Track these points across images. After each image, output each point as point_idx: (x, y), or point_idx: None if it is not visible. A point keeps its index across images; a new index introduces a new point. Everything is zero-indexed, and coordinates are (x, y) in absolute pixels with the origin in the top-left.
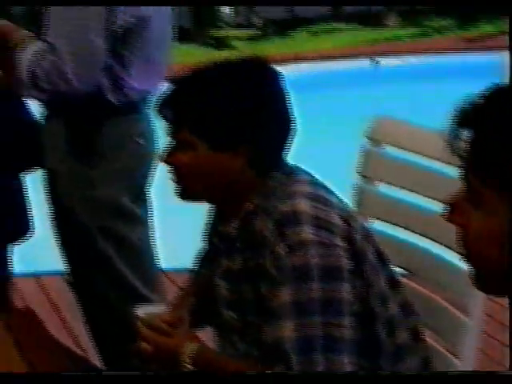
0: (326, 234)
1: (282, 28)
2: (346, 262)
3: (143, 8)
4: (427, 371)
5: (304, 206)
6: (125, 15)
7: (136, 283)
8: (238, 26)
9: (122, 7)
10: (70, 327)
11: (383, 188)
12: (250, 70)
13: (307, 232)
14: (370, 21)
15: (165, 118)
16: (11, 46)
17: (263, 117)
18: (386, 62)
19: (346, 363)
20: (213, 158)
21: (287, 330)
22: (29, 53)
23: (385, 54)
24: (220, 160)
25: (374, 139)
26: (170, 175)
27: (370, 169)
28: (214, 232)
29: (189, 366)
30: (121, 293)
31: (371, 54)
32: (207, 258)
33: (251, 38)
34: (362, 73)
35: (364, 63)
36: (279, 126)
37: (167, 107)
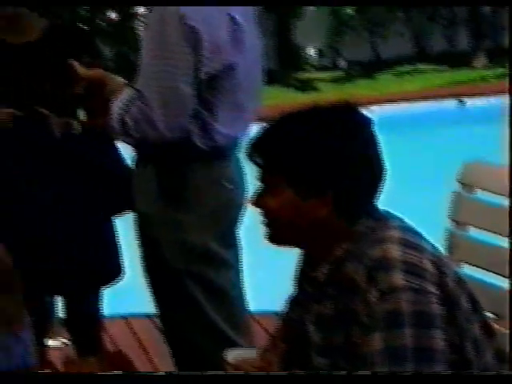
0: (417, 280)
1: (367, 69)
2: (438, 308)
3: (230, 55)
4: None
5: (394, 251)
6: (212, 62)
7: (224, 327)
8: (323, 68)
9: (209, 54)
10: (158, 369)
11: (474, 233)
12: (340, 115)
13: (398, 278)
14: (456, 62)
15: (254, 162)
16: (106, 93)
17: (353, 163)
18: (472, 102)
19: None
20: (300, 204)
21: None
22: (120, 100)
23: (471, 94)
24: (307, 206)
25: (466, 184)
26: (260, 219)
27: (462, 213)
28: (304, 277)
29: None
30: (209, 337)
31: (457, 95)
32: (297, 303)
33: (336, 80)
34: (447, 114)
35: (450, 104)
36: (369, 172)
37: (257, 152)
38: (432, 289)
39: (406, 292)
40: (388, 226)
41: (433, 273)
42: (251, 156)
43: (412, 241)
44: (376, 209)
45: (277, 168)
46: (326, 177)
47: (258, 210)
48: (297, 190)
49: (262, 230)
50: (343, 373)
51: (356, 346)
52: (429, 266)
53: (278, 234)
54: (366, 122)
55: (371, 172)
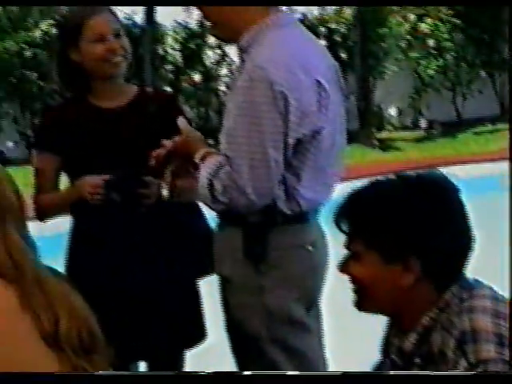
0: (508, 352)
1: (448, 129)
2: None
3: (317, 119)
4: None
5: (484, 322)
6: (299, 127)
7: None
8: (404, 127)
9: (297, 119)
10: None
11: None
12: (427, 184)
13: (488, 350)
14: None
15: (340, 228)
16: (195, 158)
17: (441, 229)
18: None
19: None
20: (387, 270)
21: None
22: (208, 164)
23: None
24: (394, 272)
25: None
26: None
27: None
28: (391, 345)
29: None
30: None
31: None
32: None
33: (417, 140)
34: None
35: None
36: (458, 239)
37: (342, 218)
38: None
39: (496, 364)
40: (477, 296)
41: (506, 340)
42: (337, 222)
43: (502, 311)
44: (464, 277)
45: (363, 234)
46: (412, 242)
47: (345, 276)
48: (384, 255)
49: (349, 295)
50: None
51: None
52: (506, 333)
53: (366, 301)
54: (454, 190)
55: (459, 239)
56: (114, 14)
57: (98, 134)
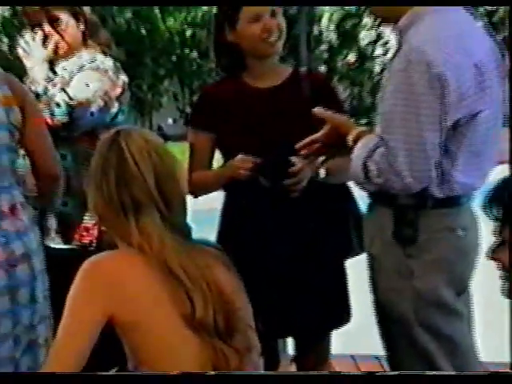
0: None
1: None
2: None
3: (475, 103)
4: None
5: None
6: (457, 110)
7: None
8: None
9: (455, 102)
10: None
11: None
12: None
13: None
14: None
15: (490, 213)
16: (348, 141)
17: None
18: None
19: None
20: None
21: None
22: (362, 145)
23: None
24: None
25: None
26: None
27: None
28: None
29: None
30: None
31: None
32: None
33: None
34: None
35: None
36: None
37: (494, 203)
38: None
39: None
40: None
41: None
42: (489, 207)
43: None
44: None
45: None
46: None
47: (495, 263)
48: None
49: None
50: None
51: None
52: None
53: None
54: None
55: None
56: None
57: (252, 113)
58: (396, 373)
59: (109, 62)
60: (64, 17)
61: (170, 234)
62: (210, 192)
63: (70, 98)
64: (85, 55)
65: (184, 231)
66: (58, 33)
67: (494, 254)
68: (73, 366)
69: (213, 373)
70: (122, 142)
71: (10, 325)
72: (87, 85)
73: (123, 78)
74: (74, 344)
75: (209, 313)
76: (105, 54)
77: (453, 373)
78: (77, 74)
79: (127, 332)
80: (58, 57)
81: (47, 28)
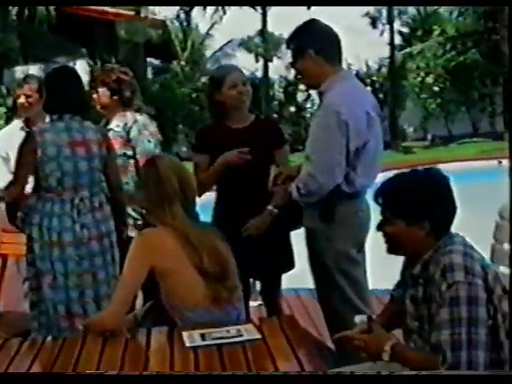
0: (471, 277)
1: (442, 142)
2: (482, 294)
3: (366, 135)
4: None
5: (459, 259)
6: (355, 141)
7: (357, 302)
8: (417, 139)
9: (354, 137)
10: (318, 327)
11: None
12: (431, 175)
13: (460, 276)
14: (496, 136)
15: (378, 203)
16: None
17: (441, 203)
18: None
19: (481, 357)
20: (407, 230)
21: (444, 335)
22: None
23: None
24: (412, 230)
25: (502, 215)
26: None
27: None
28: (406, 272)
29: (386, 357)
30: (347, 307)
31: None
32: (400, 287)
33: (425, 147)
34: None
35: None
36: (449, 209)
37: (379, 196)
38: (479, 282)
39: (463, 284)
40: (455, 242)
41: (480, 273)
42: (376, 199)
43: (469, 252)
44: (450, 232)
45: (392, 207)
46: (425, 213)
47: (380, 233)
48: (406, 221)
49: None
50: (344, 373)
51: (433, 316)
52: (478, 268)
53: (393, 248)
54: (447, 178)
55: (451, 209)
56: (241, 72)
57: (231, 142)
58: (392, 373)
59: (146, 119)
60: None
61: (187, 217)
62: (211, 187)
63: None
64: (128, 115)
65: (195, 216)
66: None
67: (380, 228)
68: (126, 301)
69: (206, 373)
70: (158, 163)
71: (104, 275)
72: (149, 141)
73: (154, 125)
74: (131, 284)
75: (210, 264)
76: (139, 111)
77: (453, 373)
78: (134, 130)
79: (162, 277)
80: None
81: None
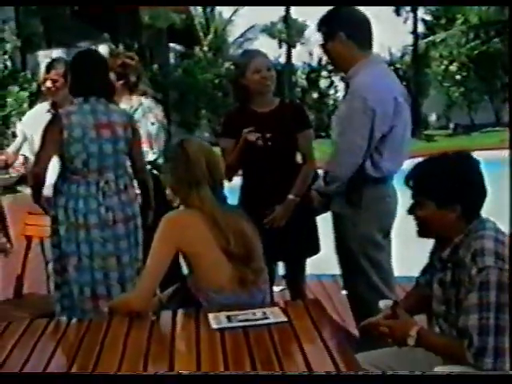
0: (501, 263)
1: (465, 130)
2: (507, 279)
3: (393, 121)
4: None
5: (490, 244)
6: (381, 127)
7: (382, 287)
8: (440, 127)
9: (380, 123)
10: (341, 314)
11: None
12: (462, 159)
13: (490, 261)
14: None
15: (408, 186)
16: None
17: (472, 187)
18: None
19: (507, 343)
20: (438, 213)
21: (472, 319)
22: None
23: None
24: (443, 213)
25: None
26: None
27: None
28: (435, 255)
29: (412, 341)
30: (372, 293)
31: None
32: (428, 271)
33: (447, 135)
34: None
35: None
36: (480, 193)
37: (411, 180)
38: (507, 267)
39: (493, 269)
40: (487, 228)
41: (507, 257)
42: (407, 182)
43: (500, 238)
44: (481, 217)
45: (424, 189)
46: (456, 196)
47: (411, 216)
48: (438, 204)
49: (413, 227)
50: (344, 373)
51: (460, 300)
52: (506, 253)
53: (423, 231)
54: (478, 163)
55: (481, 193)
56: (266, 57)
57: (257, 126)
58: (389, 373)
59: (151, 102)
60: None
61: (215, 200)
62: (238, 169)
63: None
64: (134, 99)
65: (223, 198)
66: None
67: (411, 211)
68: (153, 282)
69: (207, 373)
70: (186, 146)
71: (128, 258)
72: (152, 123)
73: (160, 109)
74: (158, 265)
75: (236, 246)
76: (145, 95)
77: (453, 373)
78: (139, 112)
79: (189, 258)
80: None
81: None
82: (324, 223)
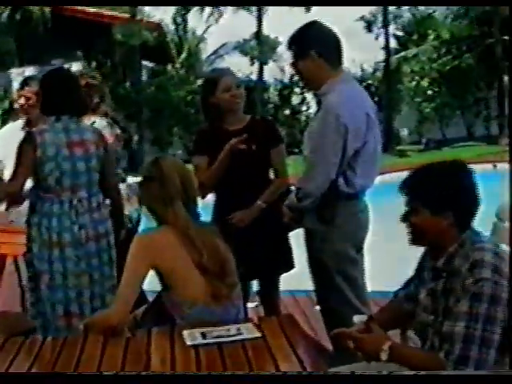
0: (497, 277)
1: (437, 145)
2: (505, 295)
3: (365, 137)
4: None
5: (489, 257)
6: (354, 144)
7: (355, 302)
8: (412, 143)
9: (353, 139)
10: (314, 328)
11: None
12: (457, 167)
13: (487, 274)
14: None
15: (404, 192)
16: None
17: (465, 195)
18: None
19: (491, 355)
20: (432, 219)
21: (459, 327)
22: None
23: (500, 161)
24: (436, 220)
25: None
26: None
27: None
28: (424, 266)
29: (384, 356)
30: (345, 307)
31: (492, 162)
32: (412, 283)
33: (419, 151)
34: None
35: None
36: (472, 202)
37: (407, 187)
38: (505, 283)
39: (489, 282)
40: (483, 241)
41: (506, 273)
42: (402, 189)
43: (498, 252)
44: (473, 228)
45: (419, 197)
46: (449, 203)
47: (405, 224)
48: (432, 211)
49: (407, 236)
50: (343, 373)
51: (449, 308)
52: (505, 268)
53: (417, 238)
54: (472, 173)
55: (474, 202)
56: (234, 75)
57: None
58: (390, 373)
59: (105, 123)
60: None
61: (189, 216)
62: (212, 187)
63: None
64: (93, 119)
65: (196, 215)
66: None
67: (405, 219)
68: (130, 299)
69: (206, 373)
70: (161, 163)
71: (98, 276)
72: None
73: (114, 131)
74: (134, 282)
75: (210, 261)
76: (106, 116)
77: (453, 373)
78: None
79: (164, 274)
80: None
81: None
82: (297, 239)
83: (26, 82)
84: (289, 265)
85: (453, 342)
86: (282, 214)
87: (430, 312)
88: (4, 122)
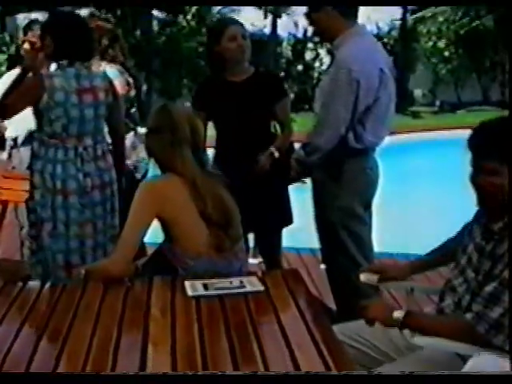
0: None
1: (451, 108)
2: None
3: (377, 93)
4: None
5: None
6: (366, 99)
7: (361, 260)
8: (425, 104)
9: (365, 95)
10: (318, 288)
11: None
12: None
13: None
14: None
15: (472, 149)
16: None
17: None
18: None
19: None
20: (503, 178)
21: (503, 293)
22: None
23: None
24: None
25: None
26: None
27: None
28: (478, 224)
29: (398, 314)
30: (350, 264)
31: None
32: (459, 238)
33: (433, 113)
34: None
35: None
36: None
37: (475, 142)
38: None
39: None
40: None
41: None
42: (475, 146)
43: None
44: None
45: (494, 154)
46: None
47: (474, 185)
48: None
49: (474, 197)
50: (344, 373)
51: (496, 272)
52: None
53: (488, 201)
54: None
55: None
56: (241, 25)
57: (230, 96)
58: (391, 373)
59: (115, 71)
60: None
61: (196, 164)
62: None
63: None
64: (102, 66)
65: (203, 164)
66: None
67: (475, 179)
68: (132, 248)
69: (206, 373)
70: (171, 109)
71: (102, 225)
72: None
73: (123, 79)
74: (137, 231)
75: (214, 211)
76: (115, 62)
77: (452, 372)
78: None
79: (167, 224)
80: None
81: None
82: (305, 195)
83: (29, 27)
84: (288, 219)
85: (493, 304)
86: (287, 167)
87: (472, 268)
88: (10, 68)
